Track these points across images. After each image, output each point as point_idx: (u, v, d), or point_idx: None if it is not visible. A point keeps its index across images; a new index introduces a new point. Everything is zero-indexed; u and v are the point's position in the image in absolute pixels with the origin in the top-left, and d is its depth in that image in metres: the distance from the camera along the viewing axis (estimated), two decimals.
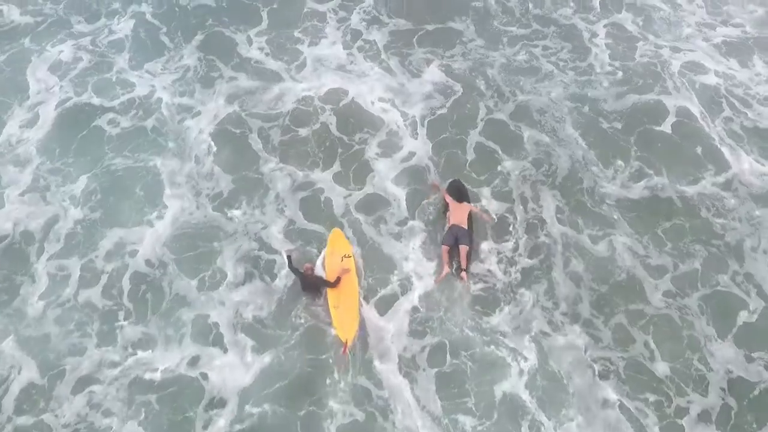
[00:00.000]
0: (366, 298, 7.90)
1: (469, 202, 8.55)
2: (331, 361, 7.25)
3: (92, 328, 7.54)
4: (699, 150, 9.72)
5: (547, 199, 9.04)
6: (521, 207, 8.91)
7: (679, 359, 7.38)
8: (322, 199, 9.06)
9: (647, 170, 9.46)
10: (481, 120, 10.12)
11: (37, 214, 8.73)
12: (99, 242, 8.43)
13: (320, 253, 8.26)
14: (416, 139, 9.86)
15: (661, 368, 7.29)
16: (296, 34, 11.51)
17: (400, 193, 9.10)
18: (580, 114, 10.24)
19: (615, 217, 8.85)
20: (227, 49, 11.32)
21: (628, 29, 11.85)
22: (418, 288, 8.03)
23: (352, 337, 7.17)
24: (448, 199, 8.51)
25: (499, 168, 9.42)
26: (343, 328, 7.23)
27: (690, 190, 9.19)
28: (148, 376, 7.18)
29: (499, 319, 7.74)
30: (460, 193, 8.61)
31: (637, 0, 12.43)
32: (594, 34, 11.68)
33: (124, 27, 11.67)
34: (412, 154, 9.63)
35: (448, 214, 8.40)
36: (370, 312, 7.77)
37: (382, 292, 8.02)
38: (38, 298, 7.80)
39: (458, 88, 10.62)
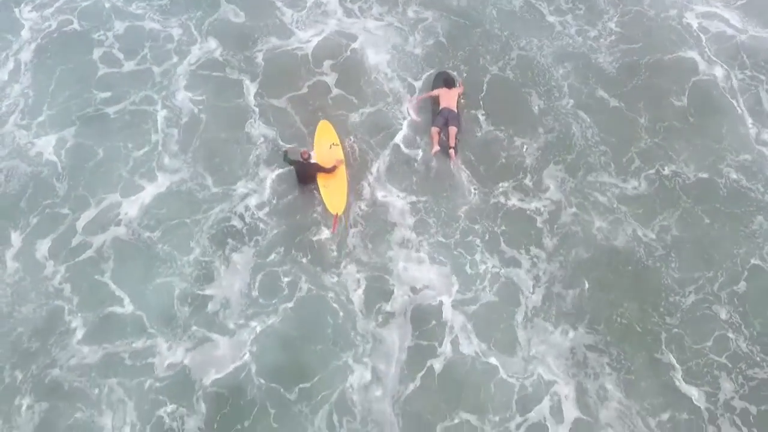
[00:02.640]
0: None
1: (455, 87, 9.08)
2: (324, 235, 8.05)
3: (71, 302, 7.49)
4: (721, 126, 9.02)
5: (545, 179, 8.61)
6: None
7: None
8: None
9: (661, 149, 8.79)
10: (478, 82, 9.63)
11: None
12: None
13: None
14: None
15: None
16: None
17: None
18: (585, 81, 9.60)
19: (627, 200, 8.34)
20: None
21: None
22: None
23: (341, 211, 7.94)
24: (437, 90, 9.00)
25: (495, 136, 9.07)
26: (332, 203, 7.96)
27: (709, 174, 8.55)
28: None
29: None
30: (447, 81, 9.07)
31: None
32: None
33: None
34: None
35: (438, 101, 8.89)
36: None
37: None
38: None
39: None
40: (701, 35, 10.22)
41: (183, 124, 9.09)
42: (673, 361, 7.00)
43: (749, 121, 9.09)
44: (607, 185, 8.49)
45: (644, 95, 9.40)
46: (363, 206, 8.28)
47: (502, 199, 8.38)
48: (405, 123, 9.15)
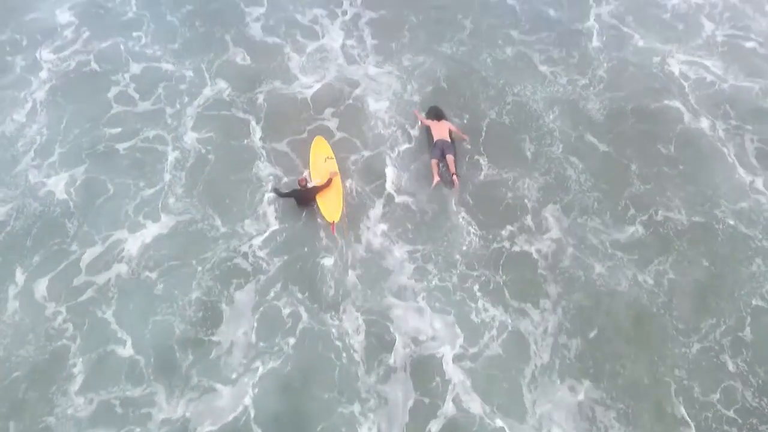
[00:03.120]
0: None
1: (447, 120, 9.63)
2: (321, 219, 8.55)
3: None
4: (712, 173, 9.29)
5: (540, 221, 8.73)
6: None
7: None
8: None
9: (653, 195, 9.00)
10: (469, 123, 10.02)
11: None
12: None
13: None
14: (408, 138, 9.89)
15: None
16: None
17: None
18: (575, 127, 9.97)
19: (622, 247, 8.39)
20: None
21: (631, 34, 11.72)
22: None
23: (338, 218, 8.39)
24: (429, 122, 9.55)
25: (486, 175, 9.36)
26: (329, 212, 8.44)
27: (705, 218, 8.70)
28: None
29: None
30: (438, 114, 9.68)
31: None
32: (592, 36, 11.60)
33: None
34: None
35: (431, 134, 9.36)
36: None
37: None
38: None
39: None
40: (684, 83, 10.72)
41: (190, 163, 9.42)
42: (684, 414, 6.84)
43: (741, 170, 9.34)
44: (603, 230, 8.58)
45: (633, 142, 9.74)
46: (361, 251, 8.34)
47: (502, 244, 8.41)
48: (402, 167, 9.44)
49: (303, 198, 8.64)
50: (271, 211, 8.78)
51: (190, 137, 9.79)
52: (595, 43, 11.49)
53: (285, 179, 9.03)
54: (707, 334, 7.51)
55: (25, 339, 7.44)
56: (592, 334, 7.51)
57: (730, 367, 7.24)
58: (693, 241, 8.43)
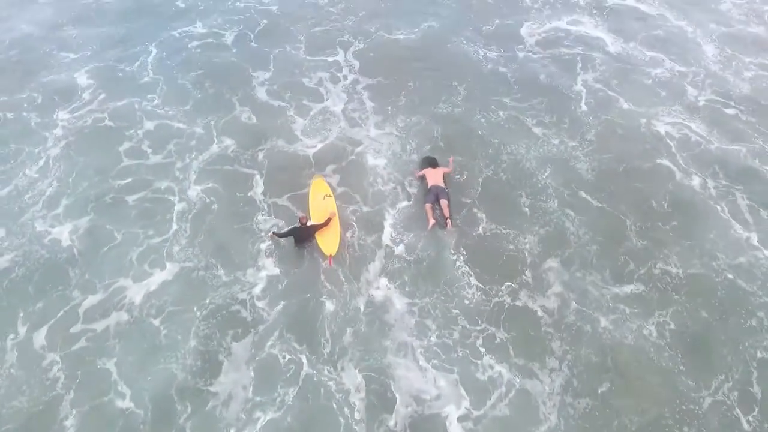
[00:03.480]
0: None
1: (439, 166, 10.21)
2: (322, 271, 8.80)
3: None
4: (707, 229, 9.50)
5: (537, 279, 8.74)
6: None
7: None
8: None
9: (651, 250, 9.12)
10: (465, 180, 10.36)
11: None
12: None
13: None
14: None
15: None
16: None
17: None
18: (568, 185, 10.24)
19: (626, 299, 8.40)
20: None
21: (617, 98, 12.39)
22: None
23: (334, 252, 8.76)
24: (424, 171, 10.10)
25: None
26: (326, 246, 8.82)
27: (705, 271, 8.79)
28: None
29: None
30: (432, 162, 10.29)
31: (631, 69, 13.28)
32: (581, 101, 12.27)
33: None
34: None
35: (426, 180, 9.91)
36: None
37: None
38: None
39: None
40: (671, 143, 11.24)
41: (194, 214, 9.66)
42: None
43: (735, 226, 9.55)
44: (603, 284, 8.61)
45: (626, 198, 10.04)
46: (361, 304, 8.32)
47: (503, 299, 8.37)
48: (401, 221, 9.64)
49: (302, 235, 8.93)
50: (270, 263, 8.90)
51: (195, 190, 10.09)
52: (584, 107, 12.12)
53: (285, 229, 9.19)
54: (717, 389, 7.37)
55: (20, 390, 7.30)
56: (600, 390, 7.34)
57: (745, 425, 7.02)
58: (693, 294, 8.52)
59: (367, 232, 9.42)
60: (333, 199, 9.63)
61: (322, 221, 9.04)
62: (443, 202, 9.49)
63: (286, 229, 8.99)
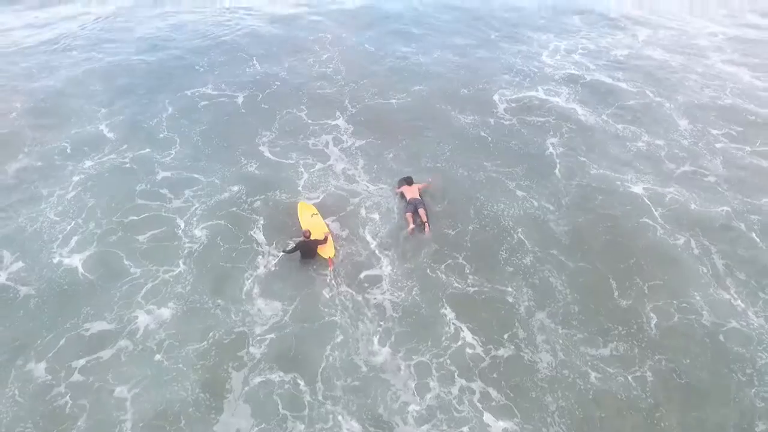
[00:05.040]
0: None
1: (415, 184, 11.95)
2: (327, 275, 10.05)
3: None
4: (691, 288, 9.77)
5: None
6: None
7: None
8: None
9: (635, 308, 9.41)
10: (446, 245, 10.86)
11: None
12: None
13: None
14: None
15: None
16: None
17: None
18: (543, 243, 10.72)
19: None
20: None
21: (597, 164, 13.26)
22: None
23: (333, 254, 10.30)
24: (402, 188, 11.87)
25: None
26: (324, 252, 10.35)
27: (680, 328, 9.04)
28: None
29: None
30: (409, 180, 12.03)
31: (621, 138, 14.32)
32: (557, 163, 13.24)
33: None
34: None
35: (405, 195, 11.60)
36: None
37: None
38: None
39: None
40: (649, 203, 11.87)
41: (198, 252, 10.53)
42: None
43: (718, 285, 9.88)
44: (590, 339, 8.92)
45: (608, 256, 10.45)
46: (359, 362, 8.54)
47: (496, 353, 8.66)
48: (397, 269, 10.23)
49: (307, 249, 10.23)
50: (270, 307, 9.47)
51: (201, 230, 11.04)
52: (561, 170, 13.04)
53: (291, 245, 10.34)
54: None
55: (25, 416, 7.76)
56: None
57: None
58: (677, 350, 8.75)
59: (362, 282, 9.98)
60: (320, 217, 11.09)
61: (320, 237, 10.39)
62: (421, 211, 11.15)
63: (291, 245, 10.25)
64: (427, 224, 10.95)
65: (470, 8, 24.69)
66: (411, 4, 25.01)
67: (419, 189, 11.75)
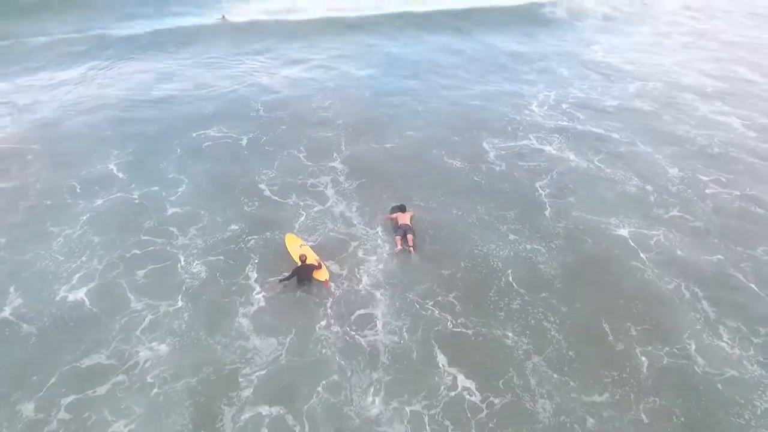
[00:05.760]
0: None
1: (407, 211, 12.91)
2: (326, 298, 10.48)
3: None
4: (686, 336, 9.77)
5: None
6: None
7: None
8: None
9: (631, 353, 9.39)
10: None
11: None
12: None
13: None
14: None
15: None
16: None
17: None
18: (546, 292, 10.73)
19: None
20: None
21: (583, 209, 13.55)
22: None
23: (328, 277, 10.91)
24: (395, 215, 12.76)
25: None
26: (320, 275, 10.92)
27: (674, 373, 9.01)
28: None
29: None
30: (402, 207, 12.99)
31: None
32: (547, 207, 13.59)
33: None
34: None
35: (397, 221, 12.49)
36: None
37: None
38: None
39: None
40: (639, 247, 12.03)
41: (195, 287, 10.80)
42: None
43: (712, 330, 9.90)
44: (584, 384, 8.87)
45: (599, 300, 10.50)
46: (351, 413, 8.41)
47: (493, 401, 8.58)
48: (390, 317, 10.20)
49: (303, 273, 10.72)
50: (265, 343, 9.58)
51: (201, 266, 11.38)
52: (551, 214, 13.38)
53: (286, 273, 10.73)
54: None
55: None
56: None
57: None
58: (671, 395, 8.72)
59: (356, 321, 10.07)
60: (309, 247, 11.71)
61: (315, 264, 10.93)
62: (409, 236, 12.09)
63: (287, 273, 10.69)
64: (413, 248, 11.88)
65: (467, 58, 26.16)
66: (411, 55, 26.54)
67: (410, 216, 12.66)
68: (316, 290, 10.75)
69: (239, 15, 32.75)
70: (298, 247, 11.62)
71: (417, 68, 24.66)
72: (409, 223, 12.37)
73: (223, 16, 31.75)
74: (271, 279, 10.89)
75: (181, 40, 28.14)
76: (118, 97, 20.63)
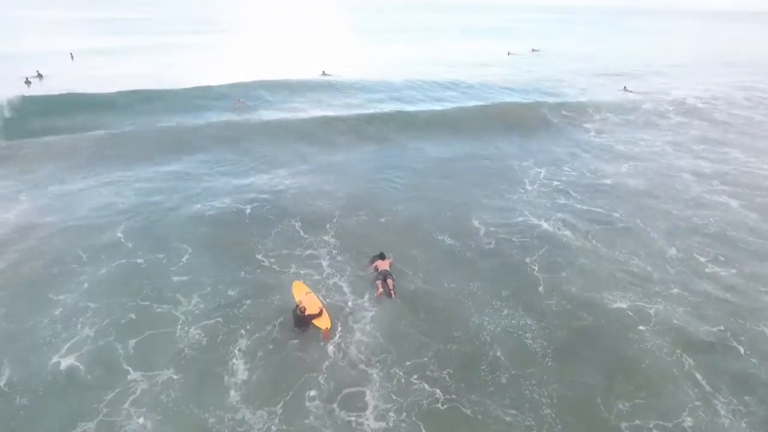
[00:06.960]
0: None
1: (386, 259, 14.09)
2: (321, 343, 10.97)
3: None
4: (671, 399, 9.84)
5: None
6: None
7: None
8: None
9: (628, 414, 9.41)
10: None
11: None
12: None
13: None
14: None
15: None
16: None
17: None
18: (539, 366, 10.66)
19: None
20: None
21: (578, 284, 13.63)
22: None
23: (329, 325, 11.44)
24: (376, 263, 13.94)
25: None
26: (321, 323, 11.44)
27: None
28: None
29: None
30: (382, 255, 14.23)
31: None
32: (541, 282, 13.64)
33: None
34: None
35: (378, 267, 13.65)
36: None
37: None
38: None
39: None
40: (634, 321, 11.97)
41: (190, 354, 10.84)
42: None
43: (722, 412, 9.69)
44: None
45: (598, 371, 10.46)
46: None
47: None
48: (378, 391, 10.02)
49: (300, 321, 11.30)
50: (255, 416, 9.39)
51: (195, 332, 11.51)
52: (544, 288, 13.40)
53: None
54: None
55: None
56: None
57: None
58: None
59: (344, 401, 9.84)
60: (314, 294, 12.28)
61: (314, 312, 11.42)
62: (389, 281, 13.11)
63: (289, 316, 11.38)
64: (393, 291, 12.89)
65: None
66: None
67: (389, 263, 13.85)
68: (312, 348, 10.82)
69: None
70: (304, 294, 12.21)
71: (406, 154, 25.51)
72: (388, 269, 13.50)
73: (239, 100, 34.20)
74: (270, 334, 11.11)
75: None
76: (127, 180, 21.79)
